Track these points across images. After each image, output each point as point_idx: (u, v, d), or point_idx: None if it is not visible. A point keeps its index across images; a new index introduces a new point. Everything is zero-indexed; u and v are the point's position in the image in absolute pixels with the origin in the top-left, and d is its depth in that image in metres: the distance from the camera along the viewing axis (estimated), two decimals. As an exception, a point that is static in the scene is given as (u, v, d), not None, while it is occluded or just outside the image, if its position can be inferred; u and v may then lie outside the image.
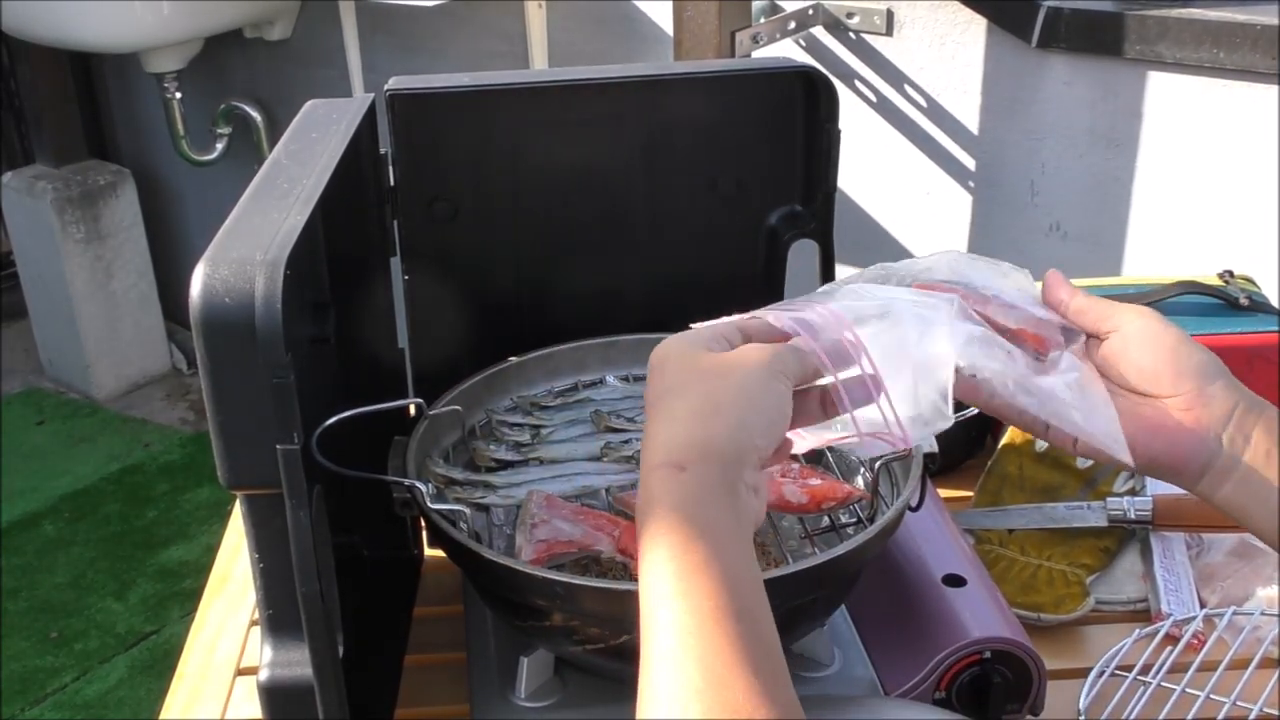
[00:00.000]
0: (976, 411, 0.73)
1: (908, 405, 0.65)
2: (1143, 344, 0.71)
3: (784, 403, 0.64)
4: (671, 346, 0.67)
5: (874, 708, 0.90)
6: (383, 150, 1.07)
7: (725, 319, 0.70)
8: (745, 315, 0.70)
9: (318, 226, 0.85)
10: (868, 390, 0.65)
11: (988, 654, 0.94)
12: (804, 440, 0.70)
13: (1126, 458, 0.69)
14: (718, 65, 1.58)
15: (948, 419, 0.65)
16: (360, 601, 0.97)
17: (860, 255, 2.31)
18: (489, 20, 2.61)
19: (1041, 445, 1.23)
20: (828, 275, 1.18)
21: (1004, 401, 0.70)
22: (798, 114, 1.13)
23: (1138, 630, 1.05)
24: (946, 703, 0.95)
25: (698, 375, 0.64)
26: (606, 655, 0.88)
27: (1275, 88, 1.83)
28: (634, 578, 0.88)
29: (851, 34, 2.22)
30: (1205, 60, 1.86)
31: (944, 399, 0.64)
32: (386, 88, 1.06)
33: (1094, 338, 0.74)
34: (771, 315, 0.68)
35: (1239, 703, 0.98)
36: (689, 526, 0.58)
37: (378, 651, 1.03)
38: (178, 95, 2.97)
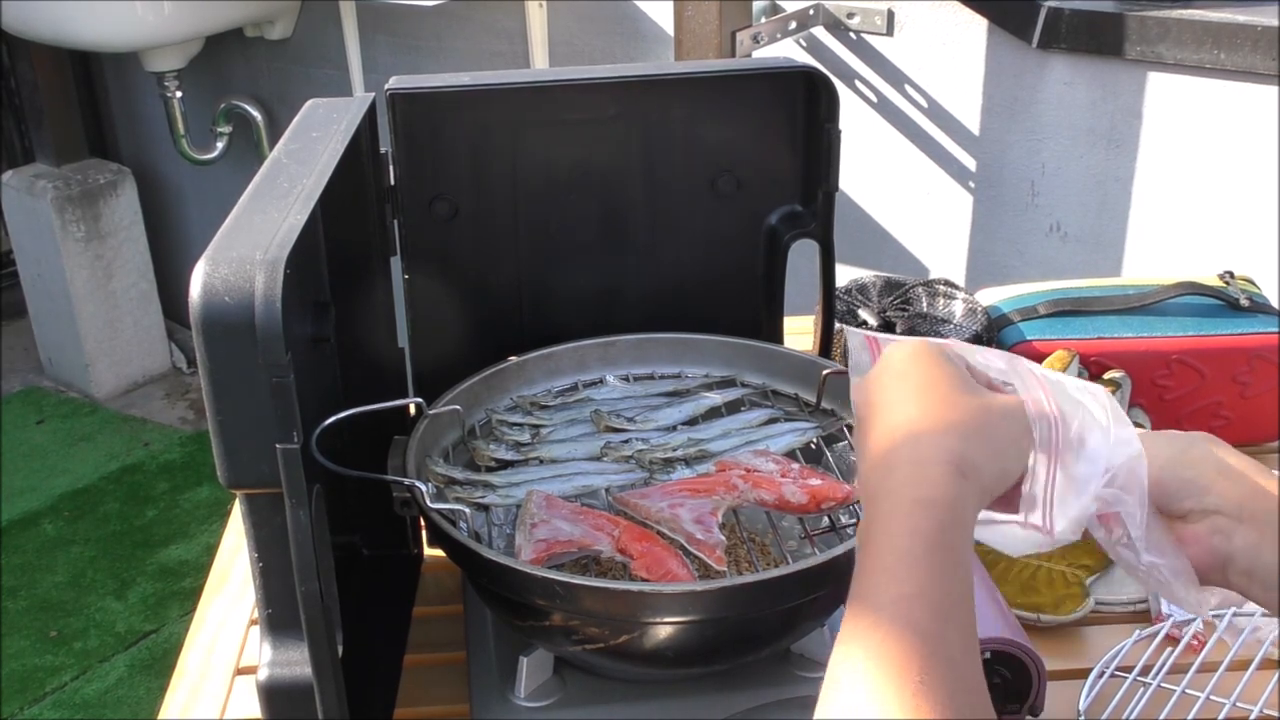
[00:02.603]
0: None
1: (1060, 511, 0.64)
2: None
3: (1021, 468, 0.64)
4: (924, 350, 0.66)
5: (874, 708, 0.89)
6: (383, 150, 1.07)
7: (957, 344, 0.68)
8: (978, 352, 0.68)
9: (318, 226, 0.85)
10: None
11: (987, 654, 0.94)
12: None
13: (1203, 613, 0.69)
14: (718, 65, 1.57)
15: (1076, 537, 0.65)
16: (360, 601, 0.97)
17: (860, 255, 2.32)
18: (489, 20, 2.61)
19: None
20: (828, 275, 1.18)
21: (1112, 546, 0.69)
22: (798, 114, 1.13)
23: (1138, 631, 1.05)
24: (946, 703, 0.95)
25: (966, 395, 0.64)
26: (606, 655, 0.88)
27: (1275, 88, 1.83)
28: (633, 577, 0.89)
29: (852, 34, 2.22)
30: (1205, 60, 1.86)
31: (1081, 520, 0.64)
32: (387, 87, 1.06)
33: None
34: (1020, 385, 0.66)
35: (1239, 704, 0.98)
36: (965, 536, 0.59)
37: (378, 651, 1.03)
38: (178, 94, 2.97)
